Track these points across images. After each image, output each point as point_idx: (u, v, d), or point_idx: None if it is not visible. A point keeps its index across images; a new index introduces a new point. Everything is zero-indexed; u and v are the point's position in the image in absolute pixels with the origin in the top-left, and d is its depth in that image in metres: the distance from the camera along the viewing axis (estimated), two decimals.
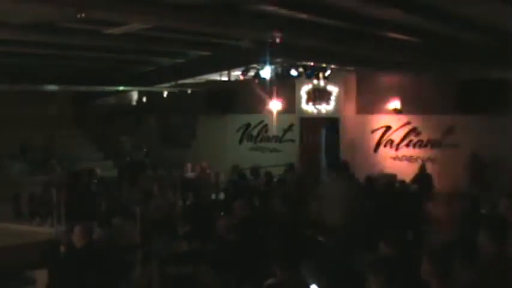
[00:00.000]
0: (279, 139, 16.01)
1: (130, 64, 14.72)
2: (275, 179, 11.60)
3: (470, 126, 12.70)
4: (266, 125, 16.22)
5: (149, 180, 12.38)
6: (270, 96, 15.24)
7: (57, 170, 13.20)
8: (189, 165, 14.86)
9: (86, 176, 12.36)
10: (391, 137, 14.03)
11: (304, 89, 14.81)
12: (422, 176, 12.44)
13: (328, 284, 6.08)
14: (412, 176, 12.45)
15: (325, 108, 14.59)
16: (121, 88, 16.11)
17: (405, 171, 12.91)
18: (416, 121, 13.66)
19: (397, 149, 13.94)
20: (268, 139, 16.22)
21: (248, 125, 16.54)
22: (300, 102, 14.97)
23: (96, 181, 12.35)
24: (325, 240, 7.96)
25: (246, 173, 12.76)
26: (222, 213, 9.59)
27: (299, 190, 10.61)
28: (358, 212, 7.88)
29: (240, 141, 16.69)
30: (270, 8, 6.90)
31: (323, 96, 14.55)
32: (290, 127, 15.62)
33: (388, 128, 14.06)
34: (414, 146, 13.70)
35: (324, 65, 12.90)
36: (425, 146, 13.52)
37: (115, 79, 15.40)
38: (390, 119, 13.93)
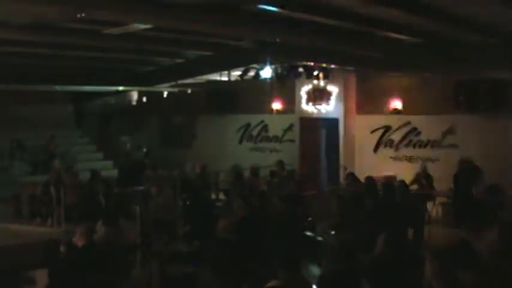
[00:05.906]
0: (279, 139, 15.99)
1: (131, 64, 14.70)
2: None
3: (470, 126, 12.69)
4: (266, 125, 16.20)
5: (149, 180, 12.38)
6: (270, 97, 15.24)
7: (57, 170, 13.17)
8: (189, 165, 14.85)
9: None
10: (391, 137, 14.01)
11: (304, 89, 14.78)
12: (423, 176, 12.41)
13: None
14: (412, 176, 12.43)
15: (325, 108, 14.56)
16: (121, 88, 16.09)
17: (405, 171, 12.90)
18: (416, 121, 13.64)
19: (397, 149, 13.92)
20: (268, 139, 16.19)
21: (248, 125, 16.52)
22: (300, 102, 14.94)
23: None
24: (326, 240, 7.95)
25: (246, 173, 12.76)
26: (222, 213, 9.59)
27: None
28: None
29: (240, 141, 16.66)
30: (270, 8, 6.89)
31: (323, 96, 14.52)
32: (290, 127, 15.60)
33: (388, 128, 14.04)
34: (414, 146, 13.68)
35: (324, 65, 12.90)
36: (425, 146, 13.50)
37: (115, 79, 15.39)
38: (390, 119, 13.91)
